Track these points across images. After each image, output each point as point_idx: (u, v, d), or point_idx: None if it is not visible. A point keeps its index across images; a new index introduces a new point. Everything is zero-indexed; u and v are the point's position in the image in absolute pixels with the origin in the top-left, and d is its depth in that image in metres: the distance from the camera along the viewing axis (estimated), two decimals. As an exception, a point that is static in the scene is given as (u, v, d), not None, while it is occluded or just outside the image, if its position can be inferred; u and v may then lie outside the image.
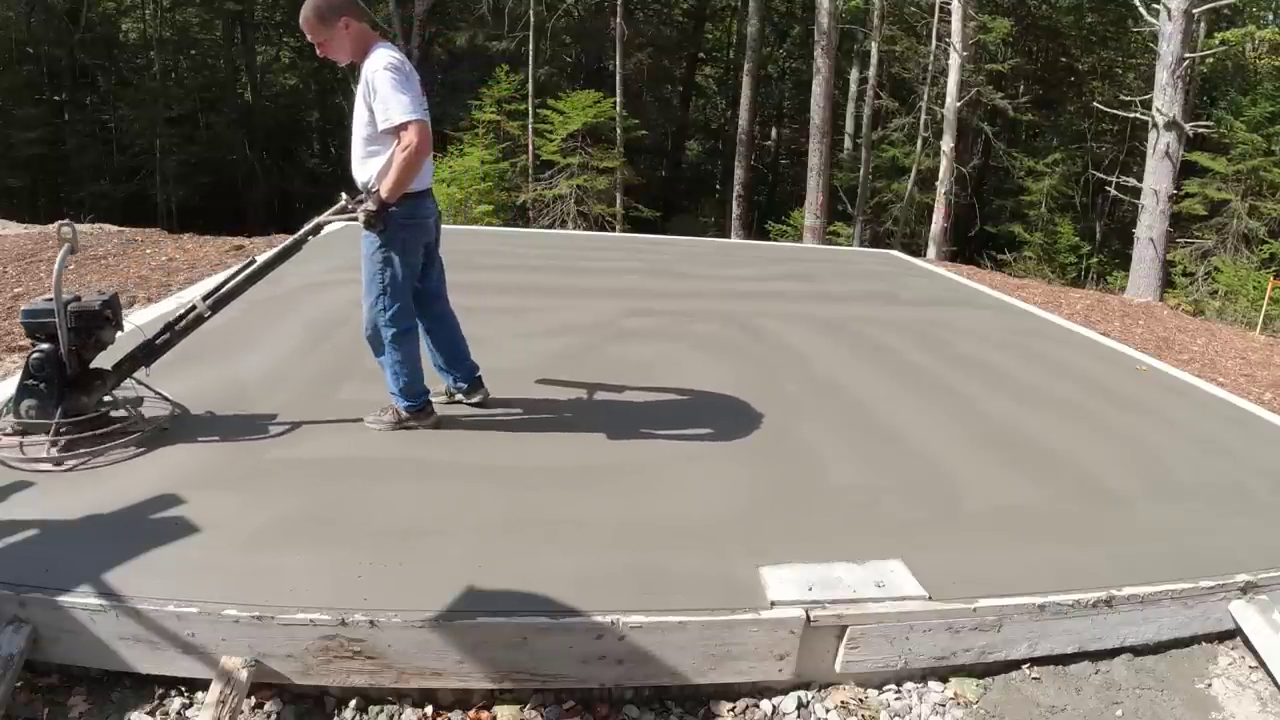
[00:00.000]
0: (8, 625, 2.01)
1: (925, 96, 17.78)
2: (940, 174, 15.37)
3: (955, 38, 14.68)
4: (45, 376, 2.84)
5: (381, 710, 2.11)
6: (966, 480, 3.13)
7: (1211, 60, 16.81)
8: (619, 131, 17.04)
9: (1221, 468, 3.50)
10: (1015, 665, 2.39)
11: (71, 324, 2.86)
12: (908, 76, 19.11)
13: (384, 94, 2.74)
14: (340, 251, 6.61)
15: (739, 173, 17.87)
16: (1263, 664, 2.45)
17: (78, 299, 2.94)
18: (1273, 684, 2.42)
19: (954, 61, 14.84)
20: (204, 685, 2.02)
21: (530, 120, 16.90)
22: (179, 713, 2.05)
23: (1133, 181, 13.24)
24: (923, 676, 2.35)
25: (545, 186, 16.42)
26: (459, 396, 3.52)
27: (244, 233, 8.71)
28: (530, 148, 16.90)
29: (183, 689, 2.10)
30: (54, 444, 2.79)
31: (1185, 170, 14.20)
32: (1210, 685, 2.44)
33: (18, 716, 1.98)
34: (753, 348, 4.76)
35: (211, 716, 1.88)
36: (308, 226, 3.17)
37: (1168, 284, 13.48)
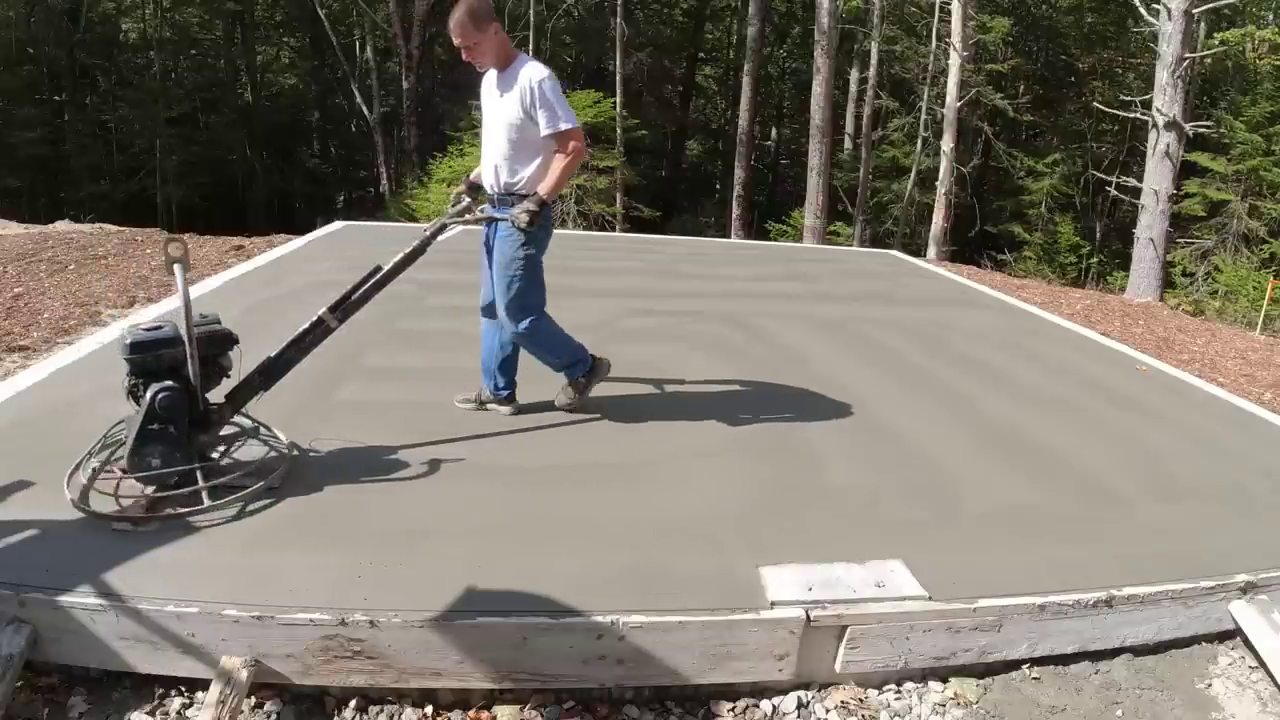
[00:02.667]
0: (8, 625, 2.01)
1: (925, 96, 17.77)
2: (940, 174, 15.37)
3: (955, 38, 14.68)
4: (174, 417, 2.45)
5: (381, 710, 2.11)
6: (967, 480, 3.13)
7: (1211, 60, 16.80)
8: (619, 131, 17.02)
9: (1221, 468, 3.49)
10: (1015, 665, 2.39)
11: (202, 351, 2.52)
12: (908, 76, 19.11)
13: (551, 102, 2.95)
14: (342, 251, 6.62)
15: (739, 173, 17.87)
16: (1263, 664, 2.45)
17: (164, 324, 2.56)
18: (1273, 684, 2.42)
19: (954, 61, 14.84)
20: (204, 685, 2.02)
21: (530, 120, 16.86)
22: (179, 713, 2.05)
23: (1133, 181, 13.25)
24: (923, 676, 2.35)
25: (545, 186, 16.39)
26: (493, 404, 3.49)
27: (244, 233, 8.71)
28: (530, 148, 16.86)
29: (183, 689, 2.10)
30: (187, 496, 2.49)
31: (1185, 170, 14.20)
32: (1210, 685, 2.44)
33: (18, 716, 1.98)
34: (753, 348, 4.75)
35: (211, 716, 1.88)
36: (431, 229, 3.07)
37: (1168, 284, 13.48)
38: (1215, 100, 20.11)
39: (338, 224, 8.05)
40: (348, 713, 2.09)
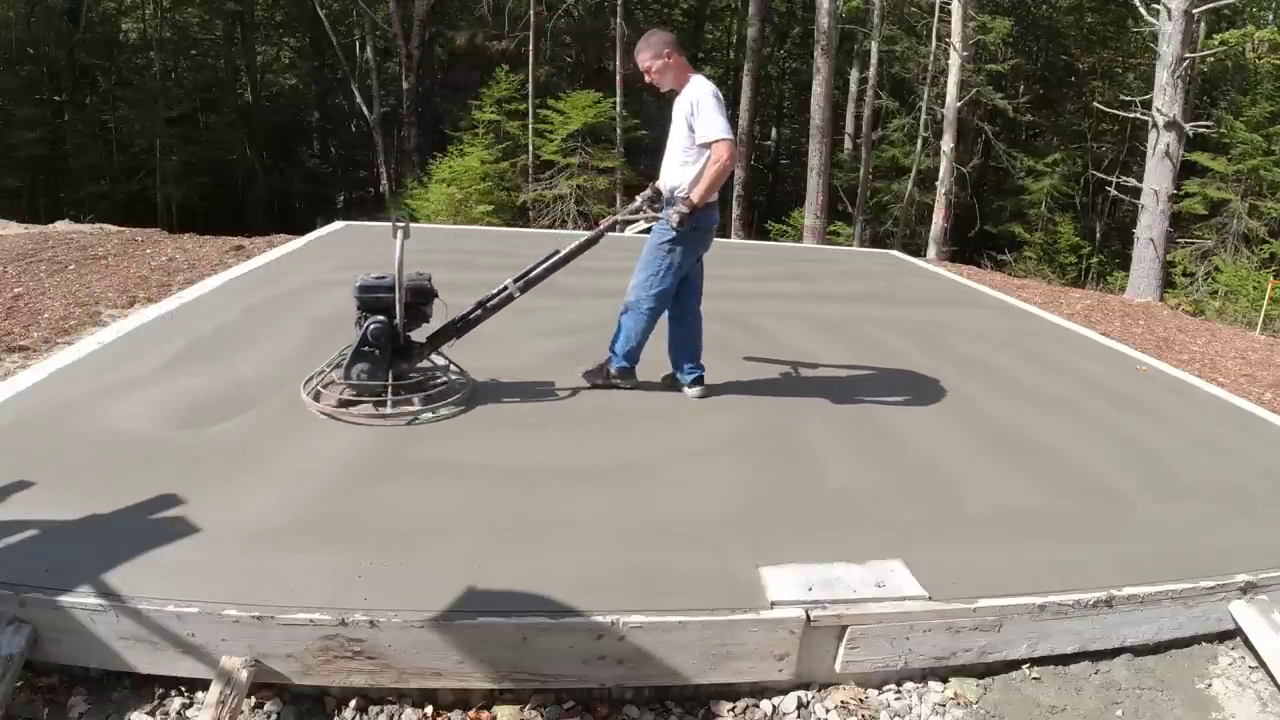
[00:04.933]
0: (8, 625, 2.01)
1: (925, 96, 17.78)
2: (940, 174, 15.37)
3: (955, 38, 14.68)
4: (380, 344, 3.22)
5: (381, 710, 2.11)
6: (967, 480, 3.13)
7: (1211, 60, 16.80)
8: (619, 131, 17.04)
9: (1221, 468, 3.49)
10: (1015, 665, 2.40)
11: (408, 299, 3.23)
12: (908, 76, 19.10)
13: (706, 114, 3.27)
14: (342, 252, 6.61)
15: (739, 173, 17.80)
16: (1263, 664, 2.45)
17: (386, 275, 3.24)
18: (1273, 684, 2.42)
19: (954, 61, 14.83)
20: (204, 685, 2.02)
21: (530, 120, 16.92)
22: (179, 713, 2.05)
23: (1133, 181, 13.23)
24: (923, 676, 2.35)
25: (545, 187, 16.43)
26: (682, 386, 3.85)
27: (244, 233, 8.71)
28: (530, 148, 16.92)
29: (183, 689, 2.10)
30: (383, 402, 3.26)
31: (1185, 170, 14.21)
32: (1210, 685, 2.44)
33: (18, 716, 1.98)
34: (753, 348, 4.75)
35: (211, 716, 1.88)
36: (606, 223, 3.59)
37: (1168, 284, 13.47)
38: (1215, 100, 20.13)
39: (338, 224, 8.05)
40: (348, 713, 2.09)
